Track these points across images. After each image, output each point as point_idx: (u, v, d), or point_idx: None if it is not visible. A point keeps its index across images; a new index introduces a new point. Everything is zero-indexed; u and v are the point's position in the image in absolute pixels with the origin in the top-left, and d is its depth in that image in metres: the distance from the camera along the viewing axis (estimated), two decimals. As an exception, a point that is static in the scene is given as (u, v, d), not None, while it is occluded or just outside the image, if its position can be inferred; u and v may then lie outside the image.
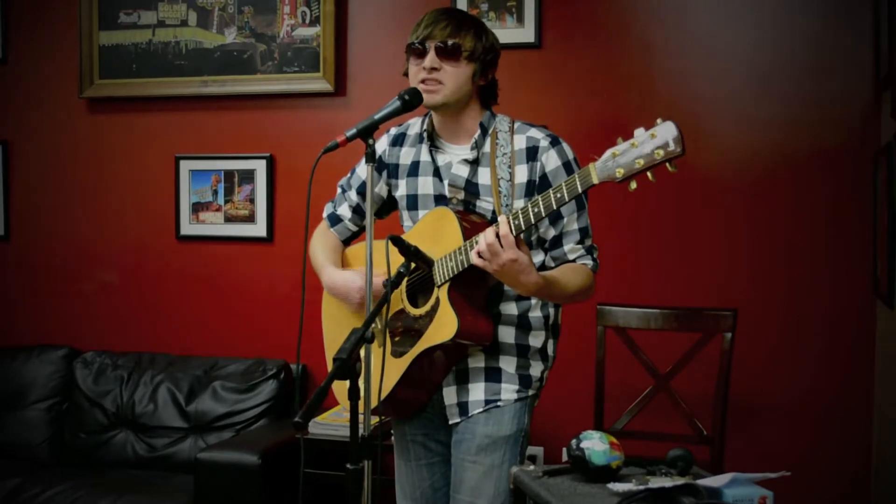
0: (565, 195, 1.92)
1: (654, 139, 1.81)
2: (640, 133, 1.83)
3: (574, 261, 2.18)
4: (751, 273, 3.36)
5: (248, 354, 3.76)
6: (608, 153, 1.86)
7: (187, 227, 3.91)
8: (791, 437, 3.31)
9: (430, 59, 2.14)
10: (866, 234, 3.22)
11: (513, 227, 1.97)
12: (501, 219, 1.97)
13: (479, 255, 1.98)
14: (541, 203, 1.95)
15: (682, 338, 3.09)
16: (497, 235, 1.95)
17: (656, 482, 1.88)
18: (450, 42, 2.14)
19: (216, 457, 3.17)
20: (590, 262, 2.20)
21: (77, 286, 4.05)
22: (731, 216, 3.38)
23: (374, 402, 2.03)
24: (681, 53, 3.41)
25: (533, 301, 2.22)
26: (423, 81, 2.15)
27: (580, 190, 1.90)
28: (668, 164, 1.81)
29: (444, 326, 2.10)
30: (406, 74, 2.23)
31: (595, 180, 1.88)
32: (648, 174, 1.84)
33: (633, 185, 1.85)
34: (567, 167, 2.15)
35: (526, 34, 3.50)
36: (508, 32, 3.49)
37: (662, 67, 3.43)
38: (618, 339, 3.15)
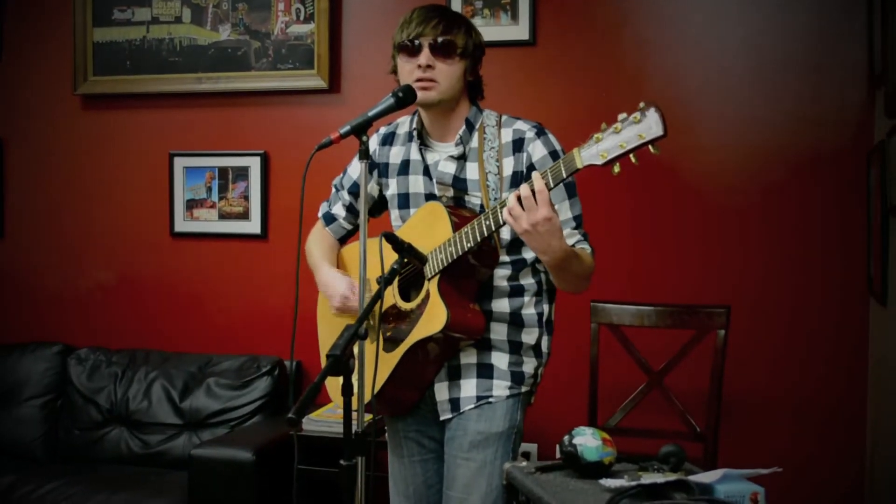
0: (550, 181, 1.91)
1: (637, 123, 1.82)
2: (623, 117, 1.84)
3: (573, 246, 2.18)
4: (744, 270, 3.36)
5: (242, 351, 3.76)
6: (592, 138, 1.87)
7: (181, 224, 3.90)
8: (784, 433, 3.32)
9: (425, 56, 2.14)
10: (860, 231, 3.22)
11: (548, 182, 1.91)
12: (535, 175, 1.92)
13: (511, 212, 1.93)
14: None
15: (676, 335, 3.09)
16: (532, 191, 1.91)
17: (648, 478, 1.88)
18: (444, 39, 2.14)
19: (210, 453, 3.17)
20: (588, 248, 2.19)
21: (71, 283, 4.04)
22: (725, 213, 3.38)
23: (367, 399, 2.03)
24: (675, 50, 3.42)
25: (526, 298, 2.22)
26: (418, 80, 2.14)
27: (565, 175, 1.90)
28: (650, 147, 1.82)
29: (434, 319, 2.10)
30: (394, 73, 2.24)
31: (579, 164, 1.88)
32: (632, 157, 1.84)
33: (617, 168, 1.85)
34: (553, 156, 2.16)
35: (520, 31, 3.50)
36: (503, 30, 3.49)
37: (656, 64, 3.43)
38: (611, 336, 3.15)
